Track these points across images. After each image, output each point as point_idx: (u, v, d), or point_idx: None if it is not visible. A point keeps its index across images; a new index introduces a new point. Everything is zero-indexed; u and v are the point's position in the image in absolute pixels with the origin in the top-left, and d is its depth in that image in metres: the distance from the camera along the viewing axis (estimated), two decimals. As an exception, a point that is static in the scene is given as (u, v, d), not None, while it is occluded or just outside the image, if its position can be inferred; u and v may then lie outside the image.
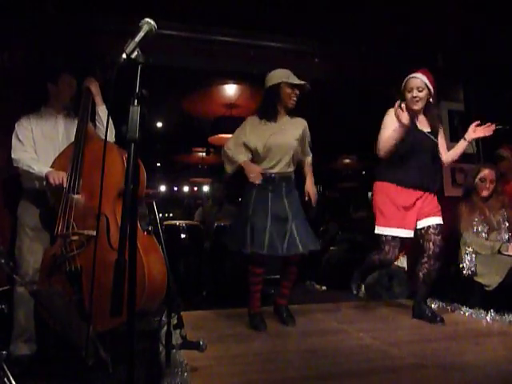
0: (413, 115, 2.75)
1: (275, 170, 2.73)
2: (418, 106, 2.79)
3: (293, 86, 2.74)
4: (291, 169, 2.81)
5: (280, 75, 2.75)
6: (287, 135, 2.76)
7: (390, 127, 2.76)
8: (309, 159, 2.99)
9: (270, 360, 2.12)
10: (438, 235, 2.80)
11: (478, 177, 3.28)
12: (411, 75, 2.81)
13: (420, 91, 2.75)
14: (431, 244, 2.80)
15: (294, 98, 2.77)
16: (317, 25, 3.56)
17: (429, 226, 2.81)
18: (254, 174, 2.65)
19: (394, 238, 2.83)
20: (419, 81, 2.75)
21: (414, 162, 2.79)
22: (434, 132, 2.86)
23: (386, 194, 2.86)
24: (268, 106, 2.80)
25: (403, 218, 2.82)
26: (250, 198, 2.73)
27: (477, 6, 3.28)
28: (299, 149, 2.83)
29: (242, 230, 2.68)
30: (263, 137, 2.72)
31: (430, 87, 2.78)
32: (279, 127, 2.77)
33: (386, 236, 2.84)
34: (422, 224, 2.84)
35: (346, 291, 4.38)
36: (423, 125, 2.87)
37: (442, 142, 2.94)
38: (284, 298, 2.87)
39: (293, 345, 2.39)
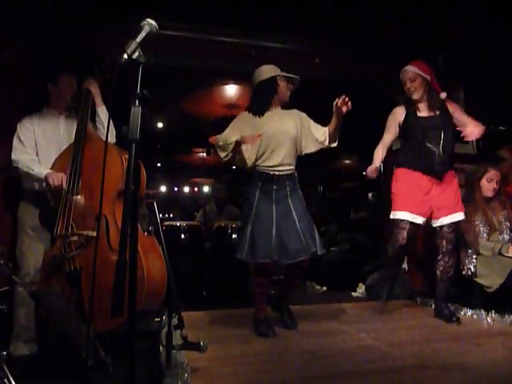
0: (414, 105, 2.94)
1: (277, 168, 2.61)
2: (416, 96, 2.92)
3: (287, 79, 2.71)
4: (293, 164, 2.69)
5: (272, 69, 2.71)
6: (282, 124, 2.67)
7: (391, 128, 2.99)
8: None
9: (270, 361, 2.12)
10: (451, 233, 2.90)
11: (485, 177, 3.26)
12: (402, 69, 2.95)
13: (413, 81, 2.89)
14: (444, 241, 2.91)
15: (289, 92, 2.75)
16: (317, 25, 3.55)
17: (443, 226, 2.90)
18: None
19: (401, 220, 2.87)
20: (410, 72, 2.90)
21: (421, 148, 2.89)
22: (435, 114, 2.92)
23: (404, 179, 2.94)
24: (261, 100, 2.72)
25: (416, 203, 2.87)
26: (252, 201, 2.60)
27: (477, 6, 3.27)
28: (300, 140, 2.72)
29: (243, 237, 2.58)
30: (257, 130, 2.59)
31: (424, 75, 2.88)
32: (272, 118, 2.68)
33: (397, 220, 2.89)
34: (438, 223, 2.91)
35: (347, 292, 4.40)
36: (425, 111, 2.96)
37: (458, 116, 2.97)
38: (285, 298, 2.80)
39: (293, 345, 2.39)
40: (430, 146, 2.87)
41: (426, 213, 2.89)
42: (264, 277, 2.60)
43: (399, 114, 2.98)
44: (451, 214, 2.89)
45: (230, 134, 2.63)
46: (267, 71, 2.71)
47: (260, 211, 2.56)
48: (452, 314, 2.85)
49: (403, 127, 2.97)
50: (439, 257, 2.93)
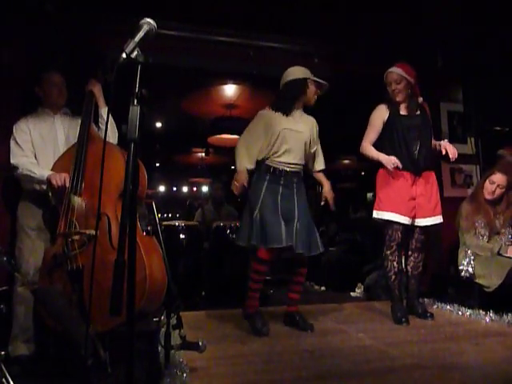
0: (397, 105, 2.98)
1: (287, 165, 2.69)
2: (399, 98, 2.95)
3: (317, 84, 2.78)
4: (302, 163, 2.78)
5: (305, 72, 2.78)
6: (300, 127, 2.75)
7: (376, 124, 2.99)
8: (320, 165, 2.95)
9: (269, 360, 2.11)
10: (423, 234, 2.98)
11: (489, 178, 3.26)
12: (388, 70, 2.96)
13: (398, 83, 2.92)
14: (414, 240, 3.00)
15: (316, 97, 2.81)
16: (317, 25, 3.56)
17: (418, 226, 2.94)
18: (238, 183, 2.62)
19: (394, 221, 2.87)
20: (395, 74, 2.92)
21: (402, 145, 2.92)
22: (415, 114, 2.96)
23: (389, 179, 2.94)
24: (287, 99, 2.76)
25: (403, 203, 2.88)
26: (259, 193, 2.66)
27: (477, 6, 3.28)
28: (311, 145, 2.81)
29: (250, 223, 2.63)
30: (276, 127, 2.68)
31: (408, 77, 2.90)
32: (293, 119, 2.75)
33: (389, 220, 2.89)
34: (415, 223, 2.93)
35: (345, 292, 4.40)
36: (405, 111, 2.99)
37: None
38: (293, 304, 2.77)
39: (292, 345, 2.39)
40: (410, 143, 2.90)
41: (411, 213, 2.89)
42: (263, 264, 2.61)
43: (384, 111, 3.00)
44: (430, 216, 2.93)
45: (245, 156, 2.71)
46: (299, 72, 2.77)
47: (267, 202, 2.62)
48: (425, 311, 2.93)
49: (386, 125, 2.98)
50: (409, 253, 3.02)
